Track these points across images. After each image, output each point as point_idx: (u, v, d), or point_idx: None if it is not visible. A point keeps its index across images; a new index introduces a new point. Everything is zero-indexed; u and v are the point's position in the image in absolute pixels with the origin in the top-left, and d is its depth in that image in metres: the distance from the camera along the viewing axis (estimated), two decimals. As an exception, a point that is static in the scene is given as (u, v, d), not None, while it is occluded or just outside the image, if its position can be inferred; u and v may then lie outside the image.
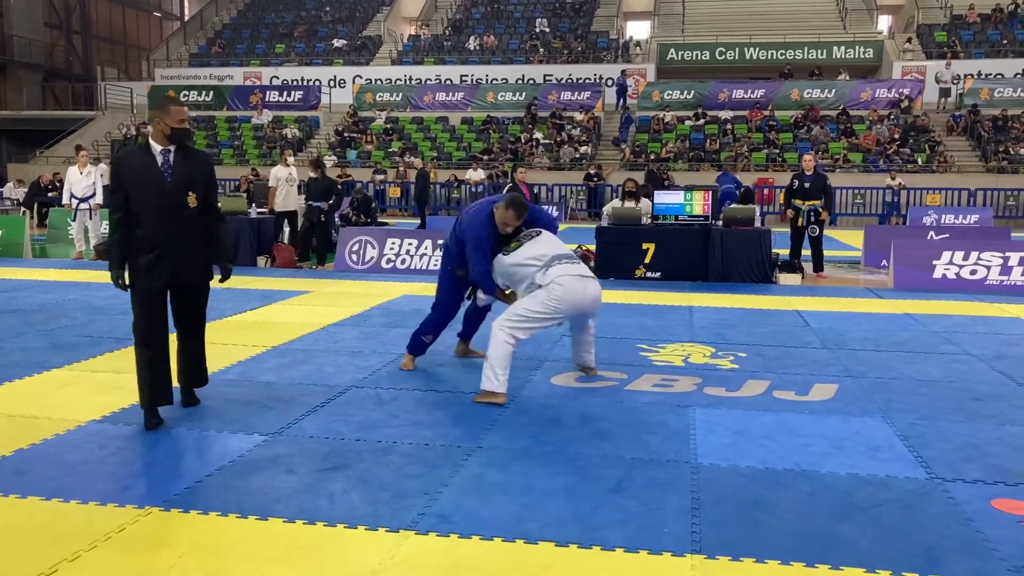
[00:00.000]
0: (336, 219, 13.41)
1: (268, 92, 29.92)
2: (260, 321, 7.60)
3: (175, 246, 4.42)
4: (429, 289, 9.67)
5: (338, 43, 32.53)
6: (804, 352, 6.46)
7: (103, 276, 10.29)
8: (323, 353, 6.29)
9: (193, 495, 3.56)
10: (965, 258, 10.00)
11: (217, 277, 4.74)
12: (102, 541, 3.13)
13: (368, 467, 3.93)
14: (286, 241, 12.49)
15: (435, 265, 11.17)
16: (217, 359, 5.99)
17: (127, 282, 4.38)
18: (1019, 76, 25.99)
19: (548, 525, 3.31)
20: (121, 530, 3.22)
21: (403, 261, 11.27)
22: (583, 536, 3.21)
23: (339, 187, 12.32)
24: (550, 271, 5.07)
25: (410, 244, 11.35)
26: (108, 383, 5.34)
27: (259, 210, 12.53)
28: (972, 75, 26.16)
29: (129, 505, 3.44)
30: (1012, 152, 23.12)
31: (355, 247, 11.46)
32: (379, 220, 19.34)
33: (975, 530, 3.29)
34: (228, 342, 6.61)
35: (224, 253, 4.78)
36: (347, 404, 4.96)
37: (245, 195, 13.69)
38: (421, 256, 11.23)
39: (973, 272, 9.93)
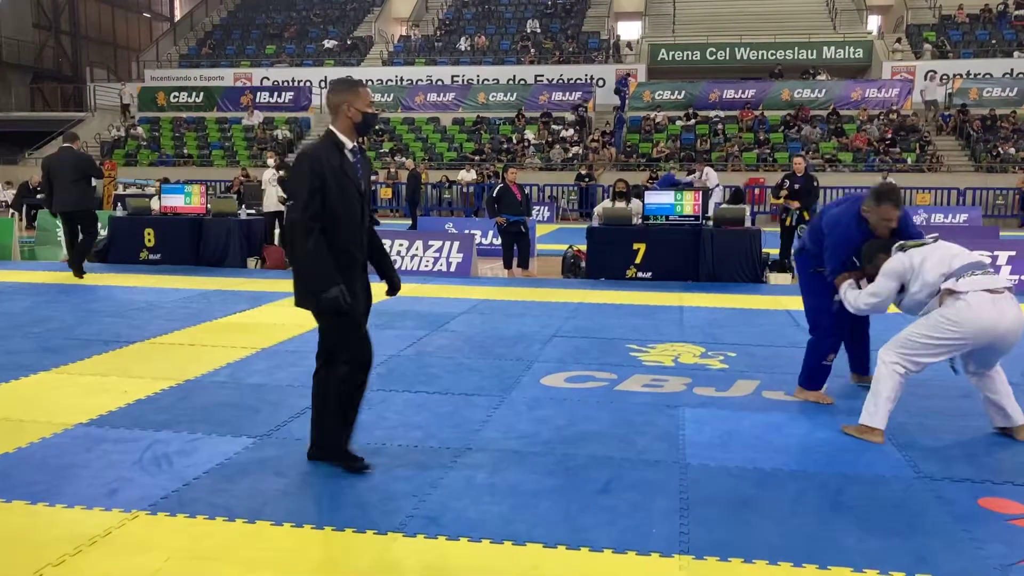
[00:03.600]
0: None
1: (259, 93, 29.84)
2: (250, 323, 7.58)
3: (364, 261, 3.91)
4: (420, 290, 9.69)
5: (329, 44, 32.46)
6: (794, 352, 6.44)
7: (92, 279, 10.28)
8: (313, 355, 6.25)
9: (180, 498, 3.54)
10: (954, 257, 10.02)
11: (384, 288, 4.16)
12: (88, 545, 3.11)
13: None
14: (276, 242, 12.45)
15: (425, 266, 11.16)
16: (206, 361, 5.98)
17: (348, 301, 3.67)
18: (1007, 76, 26.12)
19: (536, 526, 3.31)
20: (107, 534, 3.20)
21: (394, 262, 11.19)
22: (571, 537, 3.21)
23: None
24: (960, 283, 4.18)
25: (401, 245, 11.33)
26: (95, 386, 5.30)
27: (249, 211, 12.49)
28: (961, 75, 26.27)
29: (115, 509, 3.42)
30: (1001, 151, 23.23)
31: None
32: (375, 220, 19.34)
33: (963, 529, 3.30)
34: (217, 344, 6.59)
35: (391, 263, 4.22)
36: (336, 406, 4.93)
37: (235, 196, 13.65)
38: (412, 257, 11.22)
39: (962, 271, 9.95)
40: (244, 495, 3.58)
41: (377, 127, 27.79)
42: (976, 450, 4.22)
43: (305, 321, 7.43)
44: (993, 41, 27.98)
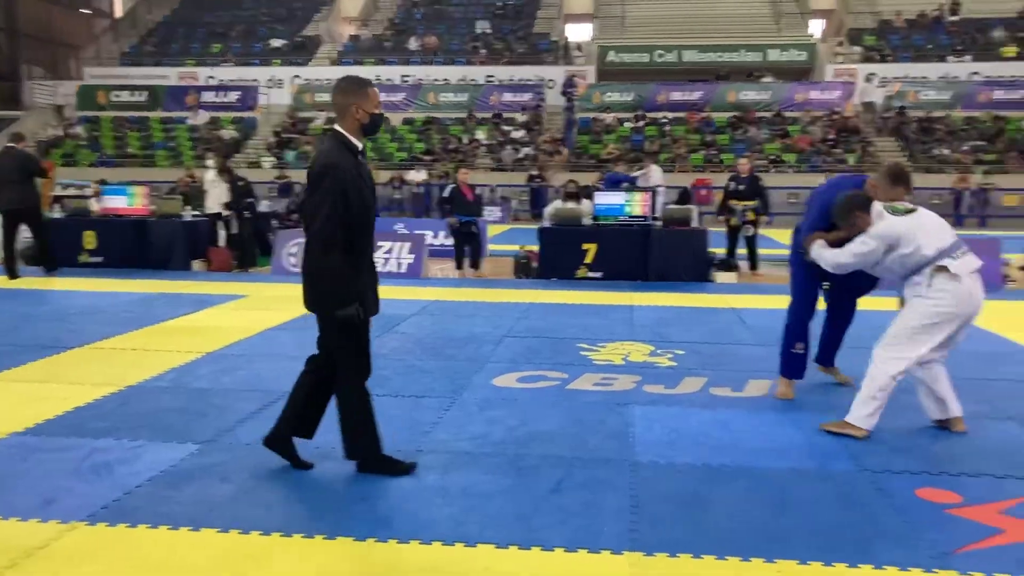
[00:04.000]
0: (274, 222, 13.19)
1: (204, 92, 29.28)
2: (195, 326, 7.42)
3: (373, 262, 3.84)
4: (370, 291, 9.59)
5: (276, 43, 31.99)
6: (740, 349, 6.57)
7: (27, 283, 9.98)
8: (260, 358, 6.17)
9: (121, 508, 3.45)
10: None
11: None
12: (24, 559, 3.01)
13: (306, 473, 3.87)
14: (221, 244, 12.22)
15: (379, 267, 11.08)
16: (149, 366, 5.85)
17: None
18: (942, 80, 26.91)
19: (488, 527, 3.30)
20: (45, 546, 3.10)
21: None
22: (523, 537, 3.21)
23: (238, 185, 12.01)
24: (955, 263, 4.24)
25: (350, 246, 11.20)
26: (32, 393, 5.14)
27: (193, 212, 12.25)
28: (899, 78, 26.99)
29: (52, 520, 3.31)
30: (937, 152, 23.93)
31: (293, 249, 11.29)
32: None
33: (902, 520, 3.39)
34: (161, 348, 6.44)
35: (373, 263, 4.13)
36: (284, 410, 4.86)
37: (181, 198, 13.36)
38: (362, 258, 11.09)
39: (901, 269, 10.20)
40: (189, 502, 3.51)
41: (327, 127, 27.55)
42: (913, 443, 4.34)
43: (252, 325, 7.34)
44: (929, 46, 28.78)
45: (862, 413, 4.38)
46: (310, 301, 3.67)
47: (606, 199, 10.89)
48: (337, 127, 3.66)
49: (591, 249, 10.51)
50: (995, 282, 10.01)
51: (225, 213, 11.64)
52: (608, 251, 10.51)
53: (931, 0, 30.13)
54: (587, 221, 10.93)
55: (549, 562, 3.04)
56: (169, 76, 30.52)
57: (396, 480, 3.76)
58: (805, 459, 4.10)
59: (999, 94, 25.91)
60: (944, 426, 4.54)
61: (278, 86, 29.72)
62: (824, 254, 4.66)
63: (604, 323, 7.67)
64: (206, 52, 32.00)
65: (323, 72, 29.98)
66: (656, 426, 4.59)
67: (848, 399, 5.15)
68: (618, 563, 3.03)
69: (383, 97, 28.39)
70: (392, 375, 5.71)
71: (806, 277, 5.15)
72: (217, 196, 11.98)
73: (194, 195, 13.16)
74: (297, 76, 29.77)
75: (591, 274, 10.53)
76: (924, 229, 4.31)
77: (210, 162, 12.80)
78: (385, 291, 9.93)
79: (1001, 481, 3.78)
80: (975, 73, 26.85)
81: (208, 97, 29.15)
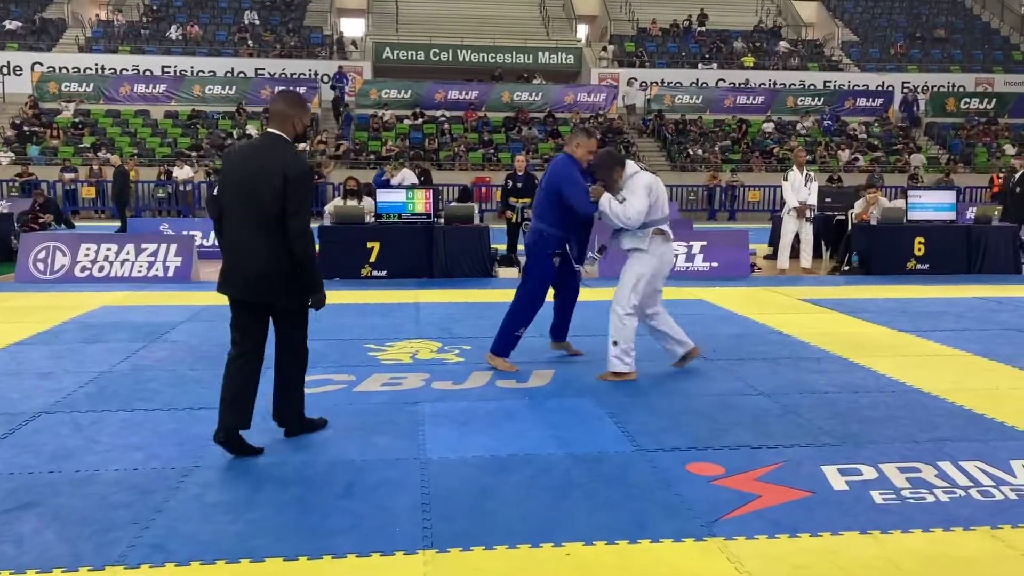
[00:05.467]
0: (16, 225, 11.85)
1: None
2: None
3: None
4: (134, 298, 8.88)
5: (11, 25, 28.67)
6: (523, 341, 6.74)
7: None
8: (3, 377, 5.51)
9: None
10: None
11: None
12: None
13: (65, 501, 3.50)
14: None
15: (139, 272, 10.30)
16: None
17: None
18: (694, 85, 29.38)
19: (276, 540, 3.16)
20: None
21: (101, 268, 10.22)
22: (313, 547, 3.11)
23: None
24: (668, 229, 5.42)
25: (109, 249, 10.31)
26: None
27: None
28: (657, 83, 29.13)
29: None
30: (691, 153, 26.10)
31: (41, 255, 10.19)
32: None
33: (674, 493, 3.65)
34: None
35: None
36: (36, 433, 4.38)
37: None
38: (123, 262, 10.25)
39: (664, 260, 11.02)
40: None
41: (76, 119, 25.13)
42: (681, 421, 4.69)
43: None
44: (682, 53, 31.32)
45: (626, 359, 5.37)
46: (286, 295, 4.14)
47: (388, 197, 10.81)
48: (280, 133, 3.97)
49: (375, 247, 10.40)
50: (744, 271, 11.10)
51: None
52: (392, 249, 10.45)
53: (682, 10, 32.80)
54: (370, 219, 10.80)
55: (341, 569, 2.97)
56: None
57: (172, 500, 3.51)
58: (588, 443, 4.30)
59: (741, 99, 28.73)
60: (690, 357, 5.71)
61: (16, 73, 26.68)
62: (615, 208, 5.37)
63: (391, 322, 7.61)
64: (-78, 31, 28.04)
65: (70, 59, 27.32)
66: (446, 422, 4.62)
67: (623, 385, 5.52)
68: (412, 563, 3.02)
69: (141, 89, 26.55)
70: (162, 388, 5.31)
71: (548, 270, 5.75)
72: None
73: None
74: (39, 63, 26.87)
75: (376, 273, 10.42)
76: (663, 194, 5.48)
77: None
78: (150, 297, 9.31)
79: (756, 451, 4.18)
80: (721, 80, 29.58)
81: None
